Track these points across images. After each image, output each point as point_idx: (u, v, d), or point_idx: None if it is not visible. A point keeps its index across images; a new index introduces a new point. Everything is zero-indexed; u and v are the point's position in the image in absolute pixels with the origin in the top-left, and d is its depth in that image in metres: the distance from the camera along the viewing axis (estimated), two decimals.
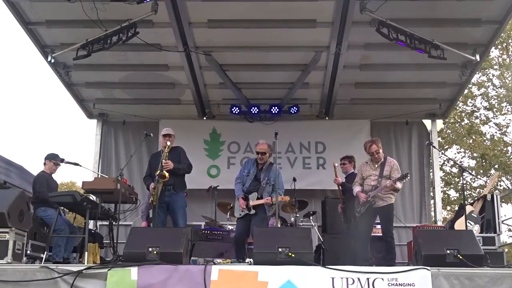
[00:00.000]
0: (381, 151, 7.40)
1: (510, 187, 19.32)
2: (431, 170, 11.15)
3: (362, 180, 7.52)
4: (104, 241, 8.77)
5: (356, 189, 7.51)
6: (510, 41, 19.99)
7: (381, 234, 7.66)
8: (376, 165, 7.41)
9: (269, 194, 7.39)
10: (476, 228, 8.39)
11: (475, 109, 20.57)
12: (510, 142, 19.89)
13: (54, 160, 8.17)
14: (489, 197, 8.72)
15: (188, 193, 8.55)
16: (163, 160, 7.27)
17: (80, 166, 8.03)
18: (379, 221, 7.54)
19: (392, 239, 7.32)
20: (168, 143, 7.39)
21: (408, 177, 7.21)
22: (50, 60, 8.79)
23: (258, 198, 7.39)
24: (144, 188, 8.63)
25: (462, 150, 20.60)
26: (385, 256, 7.25)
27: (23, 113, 53.97)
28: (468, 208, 8.59)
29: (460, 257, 5.38)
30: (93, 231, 8.76)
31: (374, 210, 7.29)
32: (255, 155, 7.74)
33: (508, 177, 19.51)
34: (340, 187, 8.61)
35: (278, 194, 7.23)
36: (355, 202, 7.59)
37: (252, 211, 7.35)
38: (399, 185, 7.18)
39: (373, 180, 7.34)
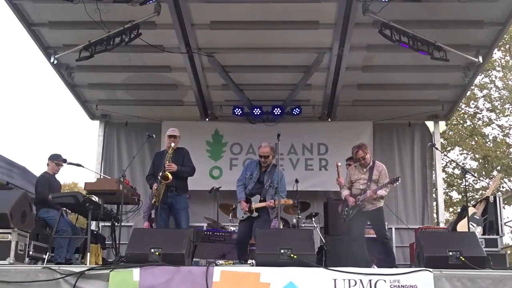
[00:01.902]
0: (367, 156, 7.42)
1: None
2: (433, 172, 11.13)
3: (351, 184, 7.55)
4: (106, 242, 8.78)
5: (345, 192, 7.54)
6: None
7: None
8: (365, 169, 7.44)
9: (272, 196, 7.34)
10: (478, 230, 8.38)
11: (478, 110, 20.57)
12: None
13: (56, 160, 8.19)
14: (491, 199, 8.72)
15: (190, 194, 8.55)
16: (166, 162, 7.27)
17: (83, 167, 8.06)
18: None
19: (388, 241, 7.34)
20: (173, 144, 7.39)
21: (399, 181, 7.25)
22: (53, 61, 8.82)
23: (261, 201, 7.37)
24: (146, 189, 8.64)
25: (465, 151, 20.59)
26: (385, 258, 7.25)
27: (26, 114, 54.16)
28: (471, 210, 8.57)
29: (463, 259, 5.37)
30: (95, 232, 8.77)
31: (365, 213, 7.31)
32: (258, 158, 7.72)
33: (511, 178, 19.48)
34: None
35: (280, 197, 7.21)
36: (343, 205, 7.61)
37: (255, 214, 7.33)
38: (382, 192, 7.20)
39: (362, 184, 7.37)
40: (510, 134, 20.11)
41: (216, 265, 6.03)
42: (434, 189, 11.13)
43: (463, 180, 10.71)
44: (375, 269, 5.78)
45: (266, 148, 7.51)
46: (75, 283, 5.09)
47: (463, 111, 20.42)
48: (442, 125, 11.86)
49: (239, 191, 7.55)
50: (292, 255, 5.33)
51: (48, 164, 8.23)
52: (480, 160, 19.81)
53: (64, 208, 7.56)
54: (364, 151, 7.40)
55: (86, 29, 7.87)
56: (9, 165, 9.85)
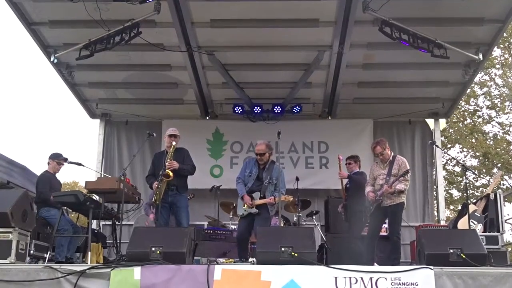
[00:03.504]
0: (386, 151, 7.41)
1: None
2: (434, 169, 11.14)
3: (374, 180, 7.53)
4: (107, 241, 8.79)
5: (367, 189, 7.52)
6: None
7: (385, 234, 7.65)
8: (385, 165, 7.43)
9: (271, 193, 7.35)
10: (479, 227, 8.37)
11: (478, 108, 20.56)
12: None
13: (57, 159, 8.19)
14: (492, 196, 8.71)
15: (194, 194, 8.55)
16: (168, 160, 7.28)
17: (83, 166, 8.06)
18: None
19: (399, 239, 7.28)
20: (174, 143, 7.39)
21: (409, 173, 7.24)
22: (53, 60, 8.82)
23: (261, 198, 7.37)
24: (146, 188, 8.63)
25: (465, 149, 20.58)
26: (390, 255, 7.23)
27: (27, 113, 54.13)
28: (471, 207, 8.56)
29: (463, 256, 5.37)
30: (96, 231, 8.78)
31: (383, 209, 7.27)
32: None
33: (511, 176, 19.48)
34: (343, 186, 8.60)
35: (280, 194, 7.21)
36: (366, 202, 7.60)
37: (255, 211, 7.33)
38: (401, 186, 7.16)
39: (381, 179, 7.34)
40: (510, 132, 20.11)
41: (217, 263, 6.03)
42: (434, 187, 11.14)
43: (464, 177, 10.70)
44: (376, 267, 5.77)
45: (261, 145, 7.53)
46: (76, 282, 5.10)
47: (463, 108, 20.42)
48: (442, 122, 11.86)
49: (240, 187, 7.56)
50: (293, 253, 5.34)
51: (48, 163, 8.24)
52: (480, 158, 19.82)
53: (65, 207, 7.56)
54: (383, 146, 7.39)
55: (86, 27, 7.86)
56: (10, 164, 9.84)
